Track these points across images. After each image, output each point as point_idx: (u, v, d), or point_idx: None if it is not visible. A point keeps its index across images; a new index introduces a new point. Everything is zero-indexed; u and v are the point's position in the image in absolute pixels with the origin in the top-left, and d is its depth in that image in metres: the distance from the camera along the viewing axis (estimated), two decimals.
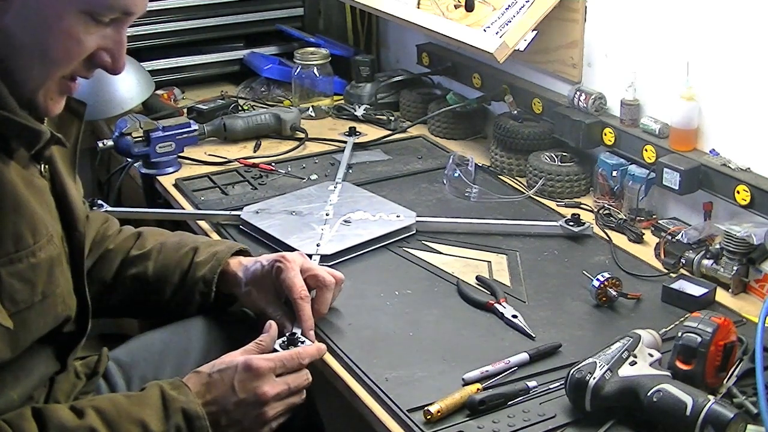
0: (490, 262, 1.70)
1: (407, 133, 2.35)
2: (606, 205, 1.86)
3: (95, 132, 2.56)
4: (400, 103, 2.47)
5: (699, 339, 1.26)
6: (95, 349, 1.44)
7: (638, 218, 1.81)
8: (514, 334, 1.46)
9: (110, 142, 2.09)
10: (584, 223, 1.79)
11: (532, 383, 1.32)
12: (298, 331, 1.42)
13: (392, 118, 2.39)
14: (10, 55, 1.10)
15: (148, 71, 2.50)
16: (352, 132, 2.32)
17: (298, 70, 2.49)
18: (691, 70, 1.72)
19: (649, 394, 1.21)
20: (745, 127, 1.67)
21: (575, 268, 1.66)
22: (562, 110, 1.99)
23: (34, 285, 1.17)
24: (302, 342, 1.39)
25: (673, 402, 1.19)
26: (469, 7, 2.06)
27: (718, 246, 1.61)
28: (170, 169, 2.12)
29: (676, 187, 1.71)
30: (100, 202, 1.89)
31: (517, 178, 2.07)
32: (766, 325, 1.18)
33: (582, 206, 1.93)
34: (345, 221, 1.81)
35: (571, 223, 1.79)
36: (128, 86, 2.39)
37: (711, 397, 1.19)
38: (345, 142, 2.25)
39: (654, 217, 1.82)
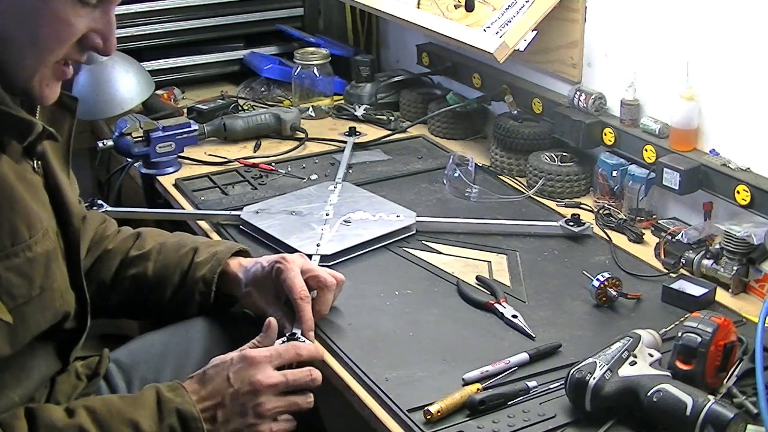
0: (490, 262, 1.70)
1: (407, 133, 2.35)
2: (606, 205, 1.86)
3: (95, 132, 2.56)
4: (400, 103, 2.47)
5: (699, 339, 1.27)
6: (96, 350, 1.44)
7: (638, 218, 1.81)
8: (514, 334, 1.46)
9: (110, 142, 2.09)
10: (584, 223, 1.79)
11: (532, 383, 1.32)
12: (298, 332, 1.42)
13: (392, 118, 2.39)
14: (1, 46, 1.10)
15: (148, 71, 2.50)
16: (352, 132, 2.32)
17: (298, 70, 2.49)
18: (691, 70, 1.72)
19: (649, 394, 1.21)
20: (745, 127, 1.67)
21: (575, 268, 1.66)
22: (562, 110, 1.99)
23: (32, 279, 1.17)
24: (302, 343, 1.39)
25: (673, 402, 1.19)
26: (469, 7, 2.06)
27: (718, 246, 1.61)
28: (170, 169, 2.12)
29: (676, 187, 1.71)
30: (100, 202, 1.89)
31: (517, 178, 2.07)
32: (766, 325, 1.18)
33: (582, 206, 1.93)
34: (345, 221, 1.81)
35: (571, 223, 1.79)
36: (128, 86, 2.39)
37: (711, 397, 1.19)
38: (345, 142, 2.25)
39: (654, 217, 1.82)
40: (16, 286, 1.15)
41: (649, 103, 1.85)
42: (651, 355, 1.30)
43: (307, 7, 2.83)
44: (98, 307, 1.47)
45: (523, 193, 1.98)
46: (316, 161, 2.17)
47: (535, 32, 1.95)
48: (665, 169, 1.72)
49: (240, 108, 2.45)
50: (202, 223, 1.87)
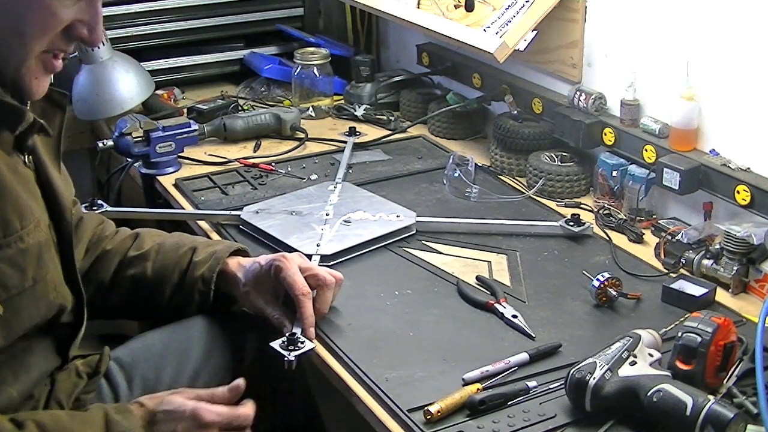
0: (490, 262, 1.70)
1: (407, 133, 2.35)
2: (606, 205, 1.86)
3: (95, 132, 2.56)
4: (400, 103, 2.47)
5: (699, 339, 1.27)
6: (96, 349, 1.44)
7: (638, 218, 1.81)
8: (514, 334, 1.46)
9: (110, 142, 2.09)
10: (584, 223, 1.79)
11: (532, 383, 1.32)
12: (297, 331, 1.42)
13: (392, 118, 2.39)
14: None
15: (148, 71, 2.50)
16: (352, 132, 2.32)
17: (298, 70, 2.49)
18: (691, 70, 1.72)
19: (649, 394, 1.21)
20: (745, 127, 1.67)
21: (575, 268, 1.66)
22: (562, 110, 1.99)
23: (24, 270, 1.17)
24: (302, 342, 1.39)
25: (673, 402, 1.19)
26: (469, 7, 2.06)
27: (718, 246, 1.61)
28: (170, 169, 2.12)
29: (676, 187, 1.71)
30: (100, 202, 1.89)
31: (517, 178, 2.07)
32: (766, 325, 1.18)
33: (582, 206, 1.93)
34: (345, 221, 1.81)
35: (571, 223, 1.79)
36: (128, 86, 2.39)
37: (711, 397, 1.19)
38: (345, 142, 2.25)
39: (654, 217, 1.82)
40: (9, 277, 1.15)
41: (649, 103, 1.85)
42: (651, 355, 1.30)
43: (307, 7, 2.83)
44: (97, 307, 1.47)
45: (523, 193, 1.98)
46: (316, 161, 2.17)
47: (535, 32, 1.95)
48: (665, 169, 1.72)
49: (240, 108, 2.45)
50: (202, 223, 1.87)
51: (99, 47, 2.36)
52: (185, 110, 2.41)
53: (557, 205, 1.94)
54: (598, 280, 1.53)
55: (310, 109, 2.47)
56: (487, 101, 2.28)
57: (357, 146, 2.24)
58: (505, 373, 1.35)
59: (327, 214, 1.83)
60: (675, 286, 1.55)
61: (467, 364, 1.36)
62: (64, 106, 1.30)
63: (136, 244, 1.54)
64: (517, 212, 1.90)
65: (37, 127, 1.21)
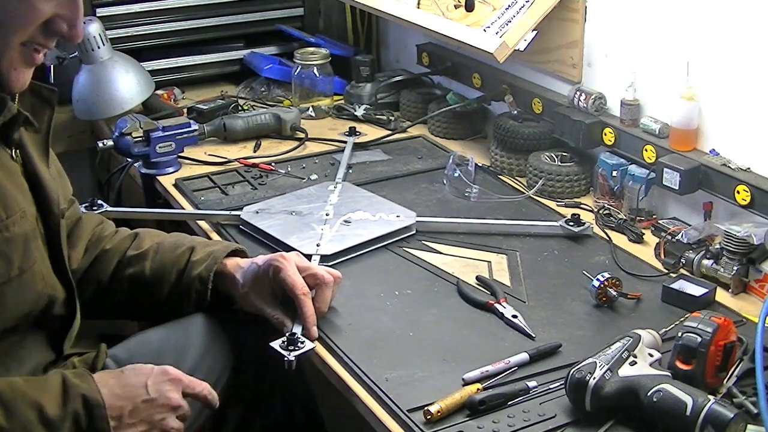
0: (490, 262, 1.70)
1: (407, 133, 2.35)
2: (606, 205, 1.86)
3: (95, 132, 2.56)
4: (400, 103, 2.47)
5: (699, 339, 1.27)
6: (94, 347, 1.44)
7: (638, 218, 1.81)
8: (514, 334, 1.46)
9: (110, 142, 2.09)
10: (584, 223, 1.79)
11: (532, 383, 1.32)
12: (297, 331, 1.42)
13: (392, 118, 2.39)
14: None
15: (148, 71, 2.50)
16: (352, 132, 2.32)
17: (298, 70, 2.49)
18: (691, 70, 1.72)
19: (649, 394, 1.21)
20: (745, 127, 1.67)
21: (575, 268, 1.66)
22: (562, 110, 1.99)
23: (10, 259, 1.18)
24: (302, 342, 1.39)
25: (673, 402, 1.19)
26: (469, 7, 2.06)
27: (718, 246, 1.61)
28: (170, 169, 2.12)
29: (676, 187, 1.71)
30: (100, 202, 1.89)
31: (517, 178, 2.07)
32: (766, 325, 1.18)
33: (582, 206, 1.93)
34: (345, 221, 1.81)
35: (571, 223, 1.79)
36: (128, 86, 2.39)
37: (711, 397, 1.19)
38: (345, 142, 2.25)
39: (654, 217, 1.82)
40: None
41: (649, 103, 1.85)
42: (651, 355, 1.30)
43: (307, 7, 2.83)
44: (96, 307, 1.48)
45: (523, 193, 1.98)
46: (316, 161, 2.17)
47: (535, 32, 1.95)
48: (665, 169, 1.72)
49: (240, 108, 2.46)
50: (202, 223, 1.87)
51: (98, 49, 2.36)
52: (185, 110, 2.41)
53: (557, 205, 1.93)
54: (598, 280, 1.53)
55: (310, 109, 2.47)
56: (487, 101, 2.28)
57: (357, 146, 2.24)
58: (505, 373, 1.35)
59: (327, 214, 1.83)
60: (675, 286, 1.55)
61: (467, 364, 1.36)
62: (53, 103, 1.30)
63: (135, 244, 1.54)
64: (517, 212, 1.90)
65: (21, 120, 1.22)
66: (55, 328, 1.32)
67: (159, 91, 2.55)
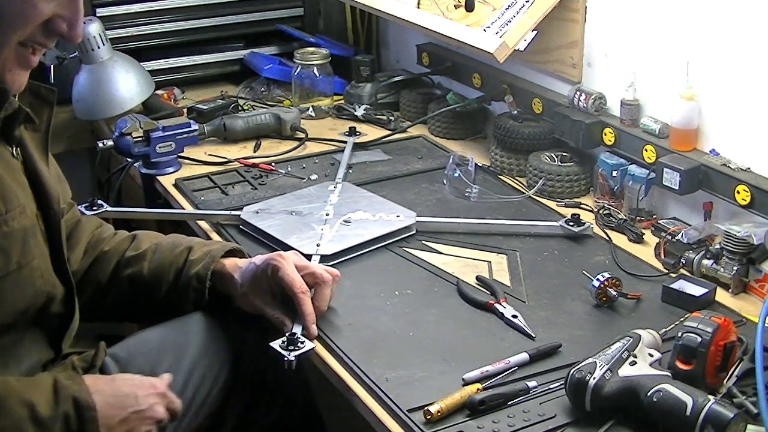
0: (490, 262, 1.70)
1: (407, 133, 2.35)
2: (606, 205, 1.86)
3: (95, 132, 2.56)
4: (400, 103, 2.47)
5: (699, 339, 1.26)
6: (93, 347, 1.44)
7: (638, 218, 1.81)
8: (514, 334, 1.46)
9: (110, 142, 2.09)
10: (584, 223, 1.79)
11: (532, 383, 1.32)
12: (297, 331, 1.42)
13: (392, 118, 2.39)
14: None
15: (148, 71, 2.50)
16: (352, 132, 2.32)
17: (298, 70, 2.49)
18: (691, 70, 1.72)
19: (649, 394, 1.21)
20: (745, 127, 1.67)
21: (575, 268, 1.66)
22: (562, 110, 1.99)
23: (8, 254, 1.18)
24: (302, 342, 1.39)
25: (673, 402, 1.19)
26: (469, 7, 2.06)
27: (718, 246, 1.61)
28: (170, 169, 2.12)
29: (676, 187, 1.71)
30: (100, 202, 1.89)
31: (517, 178, 2.07)
32: (766, 325, 1.18)
33: (582, 206, 1.93)
34: (345, 221, 1.81)
35: (571, 223, 1.79)
36: (128, 86, 2.40)
37: (711, 397, 1.19)
38: (345, 142, 2.25)
39: (654, 217, 1.82)
40: None
41: (649, 103, 1.85)
42: (651, 355, 1.30)
43: (307, 7, 2.83)
44: (95, 308, 1.48)
45: (523, 193, 1.98)
46: (316, 161, 2.17)
47: (535, 32, 1.95)
48: (665, 169, 1.72)
49: (240, 108, 2.46)
50: (202, 223, 1.87)
51: (98, 49, 2.37)
52: (185, 110, 2.41)
53: (557, 205, 1.93)
54: (598, 280, 1.53)
55: (310, 109, 2.47)
56: (487, 101, 2.28)
57: (357, 146, 2.24)
58: (505, 373, 1.35)
59: (327, 214, 1.83)
60: (675, 286, 1.55)
61: (467, 364, 1.36)
62: (52, 102, 1.31)
63: (134, 245, 1.54)
64: (517, 212, 1.90)
65: (22, 116, 1.22)
66: (54, 326, 1.32)
67: (159, 91, 2.55)
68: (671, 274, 1.62)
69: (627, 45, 1.88)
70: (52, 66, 2.40)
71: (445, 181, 2.01)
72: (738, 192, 1.63)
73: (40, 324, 1.29)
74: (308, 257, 1.61)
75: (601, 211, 1.85)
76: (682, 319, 1.46)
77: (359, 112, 2.43)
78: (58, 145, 1.39)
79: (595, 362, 1.25)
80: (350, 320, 1.51)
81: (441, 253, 1.73)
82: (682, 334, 1.29)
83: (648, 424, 1.23)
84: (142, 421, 1.27)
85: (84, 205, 1.85)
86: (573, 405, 1.27)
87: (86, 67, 2.39)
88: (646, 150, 1.81)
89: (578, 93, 1.95)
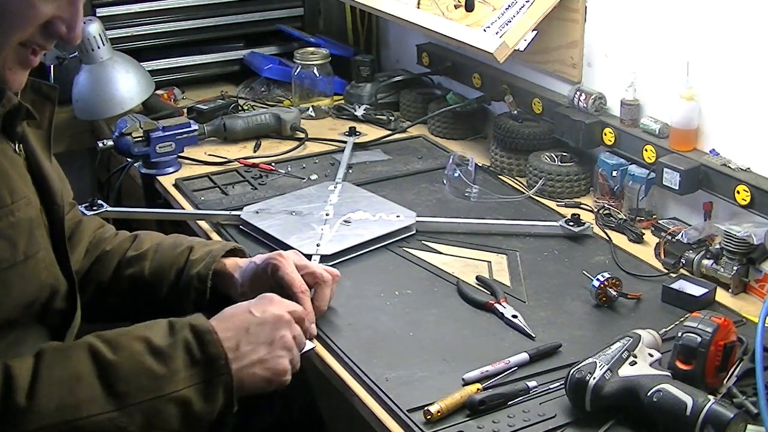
0: (490, 262, 1.70)
1: (407, 133, 2.35)
2: (606, 205, 1.86)
3: (95, 132, 2.56)
4: (400, 103, 2.47)
5: (699, 339, 1.26)
6: None
7: (638, 218, 1.81)
8: (514, 334, 1.46)
9: (110, 142, 2.10)
10: (584, 223, 1.79)
11: (532, 383, 1.32)
12: None
13: (392, 118, 2.39)
14: None
15: (148, 71, 2.50)
16: (352, 132, 2.32)
17: (298, 70, 2.49)
18: (691, 70, 1.72)
19: (649, 394, 1.21)
20: (745, 127, 1.67)
21: (575, 268, 1.66)
22: (562, 110, 1.99)
23: (15, 244, 1.18)
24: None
25: (673, 402, 1.19)
26: (469, 7, 2.06)
27: (718, 246, 1.61)
28: (170, 169, 2.12)
29: (676, 187, 1.71)
30: (100, 202, 1.89)
31: (517, 178, 2.07)
32: (766, 325, 1.18)
33: (582, 206, 1.93)
34: (345, 221, 1.81)
35: (571, 223, 1.79)
36: (128, 86, 2.40)
37: (711, 397, 1.19)
38: (345, 142, 2.25)
39: (654, 217, 1.82)
40: (0, 250, 1.16)
41: (649, 103, 1.85)
42: (651, 355, 1.30)
43: (307, 7, 2.83)
44: (97, 308, 1.48)
45: (523, 193, 1.98)
46: (316, 161, 2.17)
47: (535, 32, 1.95)
48: (665, 169, 1.72)
49: (240, 108, 2.46)
50: (202, 223, 1.87)
51: (98, 49, 2.37)
52: (185, 110, 2.41)
53: (557, 205, 1.93)
54: (598, 280, 1.53)
55: (310, 109, 2.47)
56: (487, 101, 2.28)
57: (357, 146, 2.24)
58: (505, 373, 1.35)
59: (327, 214, 1.83)
60: (675, 286, 1.55)
61: (467, 364, 1.36)
62: (54, 99, 1.31)
63: (135, 245, 1.54)
64: (517, 212, 1.90)
65: (23, 112, 1.22)
66: (56, 323, 1.32)
67: (159, 91, 2.55)
68: (671, 274, 1.62)
69: (627, 45, 1.88)
70: (52, 66, 2.41)
71: (445, 181, 2.01)
72: (738, 192, 1.63)
73: (44, 321, 1.29)
74: (308, 257, 1.61)
75: (601, 211, 1.85)
76: (682, 319, 1.46)
77: (359, 112, 2.43)
78: (58, 145, 1.39)
79: (595, 362, 1.25)
80: (350, 320, 1.51)
81: (441, 253, 1.73)
82: (682, 334, 1.29)
83: (648, 424, 1.23)
84: (270, 328, 1.27)
85: (84, 205, 1.85)
86: (573, 405, 1.27)
87: (86, 67, 2.39)
88: (646, 150, 1.81)
89: (578, 93, 1.95)
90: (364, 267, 1.69)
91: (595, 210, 1.87)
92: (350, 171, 2.10)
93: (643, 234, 1.78)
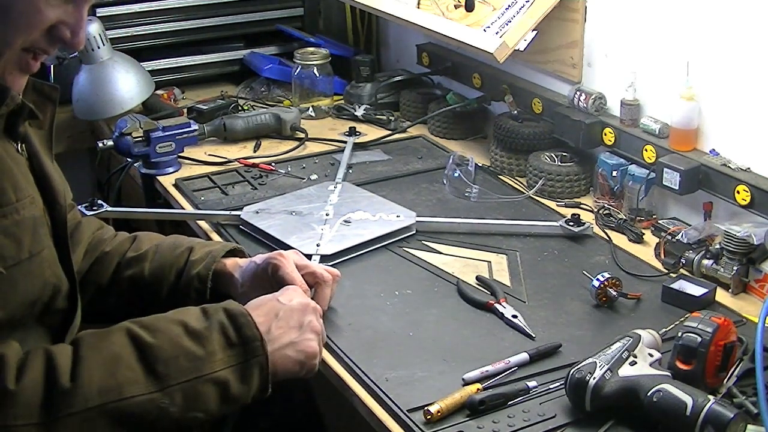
0: (490, 262, 1.70)
1: (407, 133, 2.35)
2: (606, 205, 1.86)
3: (95, 132, 2.56)
4: (400, 103, 2.47)
5: (699, 339, 1.27)
6: None
7: (638, 218, 1.81)
8: (514, 334, 1.46)
9: (110, 142, 2.10)
10: (584, 223, 1.79)
11: (532, 383, 1.32)
12: None
13: (392, 118, 2.39)
14: None
15: (148, 71, 2.50)
16: (352, 132, 2.32)
17: (298, 70, 2.49)
18: (691, 70, 1.72)
19: (649, 394, 1.21)
20: (745, 127, 1.67)
21: (575, 268, 1.66)
22: (562, 110, 1.99)
23: (20, 242, 1.19)
24: None
25: (673, 402, 1.19)
26: (469, 7, 2.06)
27: (718, 246, 1.61)
28: (170, 169, 2.12)
29: (676, 187, 1.71)
30: (100, 202, 1.89)
31: (517, 178, 2.07)
32: (766, 325, 1.18)
33: (582, 206, 1.93)
34: (345, 221, 1.81)
35: (571, 223, 1.79)
36: (128, 86, 2.40)
37: (711, 397, 1.19)
38: (345, 142, 2.25)
39: (654, 217, 1.82)
40: (5, 247, 1.16)
41: (649, 103, 1.85)
42: (651, 355, 1.30)
43: (307, 7, 2.83)
44: (96, 309, 1.48)
45: (523, 193, 1.98)
46: (316, 161, 2.17)
47: (535, 32, 1.95)
48: (665, 169, 1.72)
49: (240, 108, 2.46)
50: (202, 223, 1.87)
51: (98, 49, 2.37)
52: (185, 110, 2.41)
53: (557, 205, 1.94)
54: (598, 280, 1.53)
55: (310, 109, 2.47)
56: (487, 101, 2.28)
57: (357, 146, 2.24)
58: (505, 373, 1.35)
59: (327, 214, 1.83)
60: (675, 286, 1.55)
61: (467, 364, 1.36)
62: (55, 100, 1.31)
63: (134, 246, 1.54)
64: (517, 212, 1.90)
65: (26, 112, 1.22)
66: (57, 323, 1.32)
67: (159, 91, 2.55)
68: (671, 274, 1.62)
69: (627, 45, 1.88)
70: (52, 66, 2.41)
71: (445, 181, 2.01)
72: (738, 192, 1.63)
73: (44, 321, 1.29)
74: (308, 257, 1.61)
75: (601, 211, 1.85)
76: (682, 319, 1.46)
77: (359, 112, 2.43)
78: (58, 145, 1.39)
79: (595, 362, 1.25)
80: (350, 320, 1.51)
81: (441, 253, 1.73)
82: (682, 334, 1.29)
83: (648, 424, 1.23)
84: (297, 313, 1.30)
85: (84, 205, 1.85)
86: (573, 405, 1.27)
87: (86, 67, 2.39)
88: (646, 150, 1.81)
89: (578, 93, 1.95)
90: (364, 267, 1.69)
91: (595, 210, 1.87)
92: (350, 171, 2.10)
93: (643, 234, 1.78)
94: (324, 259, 1.67)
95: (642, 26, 1.84)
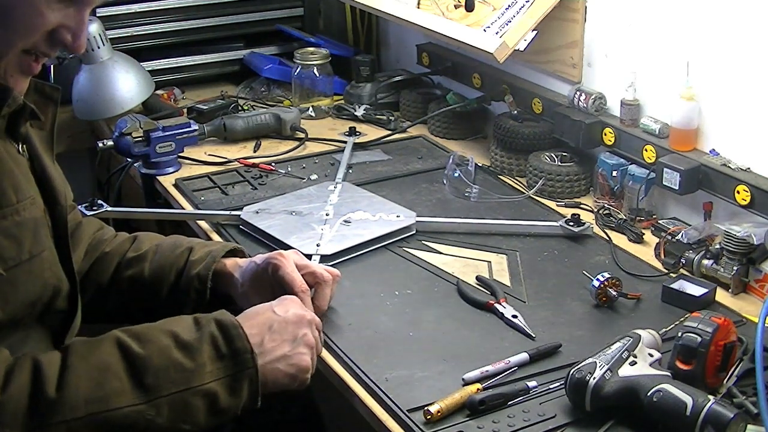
0: (490, 262, 1.70)
1: (407, 133, 2.35)
2: (606, 205, 1.86)
3: (95, 132, 2.56)
4: (400, 103, 2.47)
5: (699, 339, 1.27)
6: None
7: (638, 218, 1.81)
8: (514, 334, 1.46)
9: (110, 142, 2.09)
10: (584, 223, 1.79)
11: (532, 383, 1.32)
12: None
13: (392, 118, 2.39)
14: None
15: (148, 71, 2.50)
16: (352, 132, 2.32)
17: (298, 70, 2.49)
18: (691, 70, 1.72)
19: (649, 394, 1.21)
20: (745, 127, 1.67)
21: (575, 268, 1.66)
22: (562, 110, 1.99)
23: (21, 243, 1.19)
24: None
25: (673, 402, 1.19)
26: (469, 7, 2.06)
27: (718, 246, 1.61)
28: (170, 169, 2.12)
29: (676, 187, 1.71)
30: (100, 202, 1.89)
31: (517, 178, 2.07)
32: (766, 325, 1.18)
33: (582, 206, 1.93)
34: (345, 221, 1.81)
35: (571, 223, 1.79)
36: (128, 86, 2.40)
37: (711, 397, 1.19)
38: (345, 142, 2.25)
39: (654, 217, 1.82)
40: (6, 248, 1.17)
41: (649, 103, 1.85)
42: (651, 355, 1.30)
43: (307, 7, 2.83)
44: (96, 310, 1.48)
45: (523, 193, 1.98)
46: (316, 161, 2.17)
47: (535, 32, 1.95)
48: (665, 169, 1.72)
49: (240, 108, 2.46)
50: (202, 223, 1.87)
51: (98, 49, 2.37)
52: (185, 110, 2.41)
53: (557, 205, 1.94)
54: (598, 280, 1.53)
55: (310, 109, 2.47)
56: (487, 101, 2.28)
57: (357, 146, 2.24)
58: (505, 373, 1.35)
59: (327, 214, 1.83)
60: (675, 286, 1.55)
61: (467, 364, 1.36)
62: (57, 100, 1.31)
63: (134, 246, 1.54)
64: (517, 212, 1.90)
65: (28, 113, 1.23)
66: (57, 323, 1.32)
67: (159, 91, 2.55)
68: (671, 274, 1.62)
69: (627, 45, 1.88)
70: (52, 66, 2.41)
71: (445, 181, 2.01)
72: (738, 192, 1.63)
73: (45, 321, 1.30)
74: (308, 257, 1.61)
75: (601, 211, 1.85)
76: (682, 319, 1.46)
77: (359, 112, 2.43)
78: (58, 145, 1.39)
79: (595, 362, 1.25)
80: (350, 320, 1.51)
81: (441, 253, 1.73)
82: (682, 334, 1.29)
83: (648, 424, 1.23)
84: (292, 326, 1.30)
85: (84, 205, 1.85)
86: (573, 405, 1.27)
87: (86, 67, 2.39)
88: (646, 150, 1.81)
89: (578, 93, 1.95)
90: (364, 267, 1.69)
91: (595, 210, 1.87)
92: (350, 171, 2.10)
93: (643, 234, 1.78)
94: (324, 259, 1.67)
95: (642, 26, 1.84)
